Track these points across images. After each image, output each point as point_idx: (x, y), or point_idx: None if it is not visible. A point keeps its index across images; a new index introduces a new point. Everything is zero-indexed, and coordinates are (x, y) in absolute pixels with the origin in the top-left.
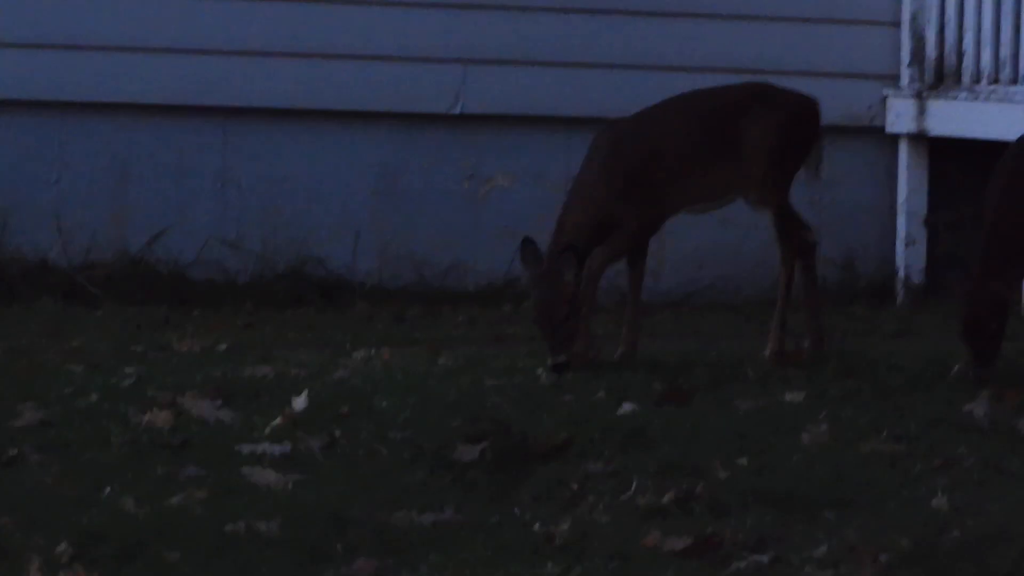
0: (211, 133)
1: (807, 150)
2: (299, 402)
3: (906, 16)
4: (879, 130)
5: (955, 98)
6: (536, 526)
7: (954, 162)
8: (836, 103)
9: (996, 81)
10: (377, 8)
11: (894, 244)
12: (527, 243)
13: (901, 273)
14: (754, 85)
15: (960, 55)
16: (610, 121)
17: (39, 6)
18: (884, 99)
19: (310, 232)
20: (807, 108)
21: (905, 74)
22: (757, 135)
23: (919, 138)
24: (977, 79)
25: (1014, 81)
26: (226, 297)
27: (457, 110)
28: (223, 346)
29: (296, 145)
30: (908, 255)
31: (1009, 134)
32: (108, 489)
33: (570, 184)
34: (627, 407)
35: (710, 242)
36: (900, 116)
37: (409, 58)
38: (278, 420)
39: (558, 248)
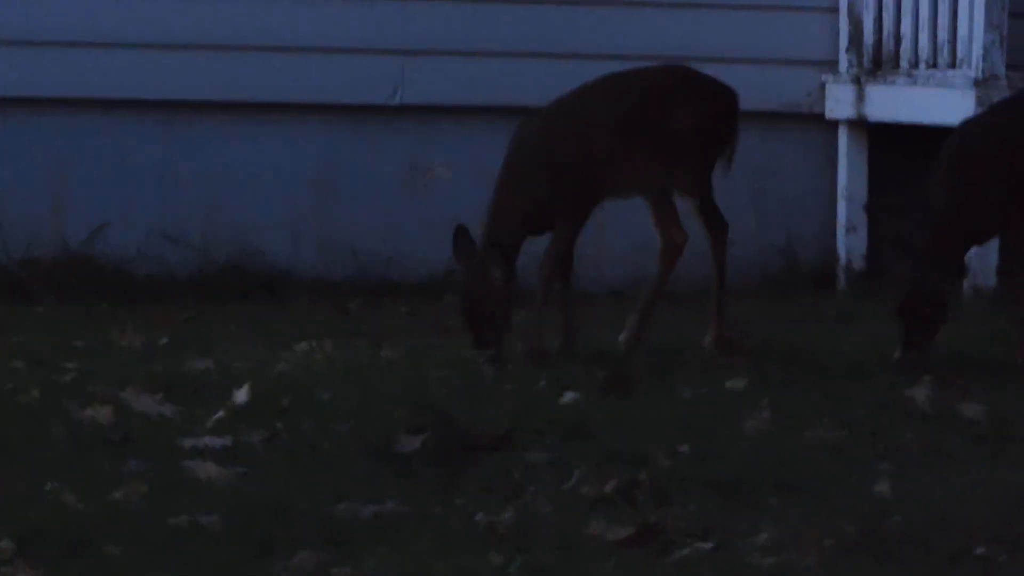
0: (151, 127)
1: (725, 140)
2: (241, 395)
3: (843, 1)
4: (818, 116)
5: (894, 83)
6: (479, 516)
7: (894, 147)
8: (775, 90)
9: (934, 66)
10: (314, 0)
11: (835, 231)
12: (461, 233)
13: (842, 260)
14: (674, 68)
15: (898, 40)
16: (532, 110)
17: None
18: (823, 85)
19: (251, 225)
20: (726, 97)
21: (843, 60)
22: (680, 120)
23: (858, 124)
24: (915, 64)
25: (952, 65)
26: (167, 292)
27: (396, 101)
28: (164, 341)
29: (236, 138)
30: (849, 241)
31: (948, 119)
32: (50, 485)
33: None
34: (569, 396)
35: (653, 231)
36: (839, 102)
37: (348, 49)
38: (220, 414)
39: (486, 246)
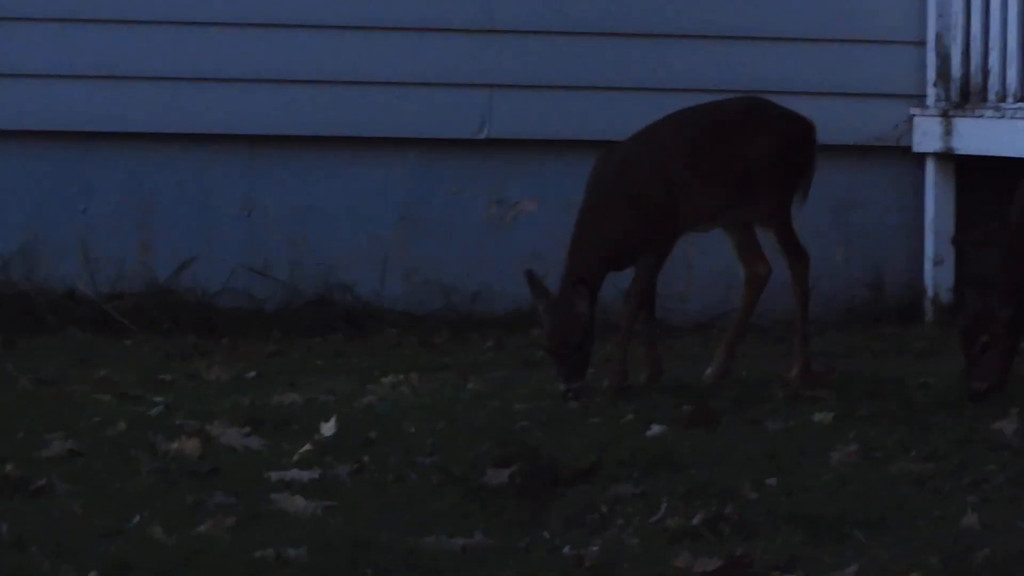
0: (236, 161)
1: (802, 171)
2: (327, 428)
3: (931, 35)
4: (906, 149)
5: (981, 116)
6: (566, 549)
7: (981, 180)
8: (863, 123)
9: (1022, 99)
10: (401, 34)
11: (922, 263)
12: (530, 275)
13: (929, 292)
14: (749, 100)
15: (986, 73)
16: (609, 145)
17: (61, 37)
18: (910, 118)
19: (337, 259)
20: (802, 128)
21: (931, 93)
22: (755, 151)
23: (946, 157)
24: (1003, 97)
25: None
26: (254, 325)
27: (483, 135)
28: (251, 374)
29: (322, 172)
30: (936, 274)
31: None
32: (137, 518)
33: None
34: (655, 429)
35: (737, 263)
36: (927, 135)
37: (434, 84)
38: (307, 447)
39: (570, 281)
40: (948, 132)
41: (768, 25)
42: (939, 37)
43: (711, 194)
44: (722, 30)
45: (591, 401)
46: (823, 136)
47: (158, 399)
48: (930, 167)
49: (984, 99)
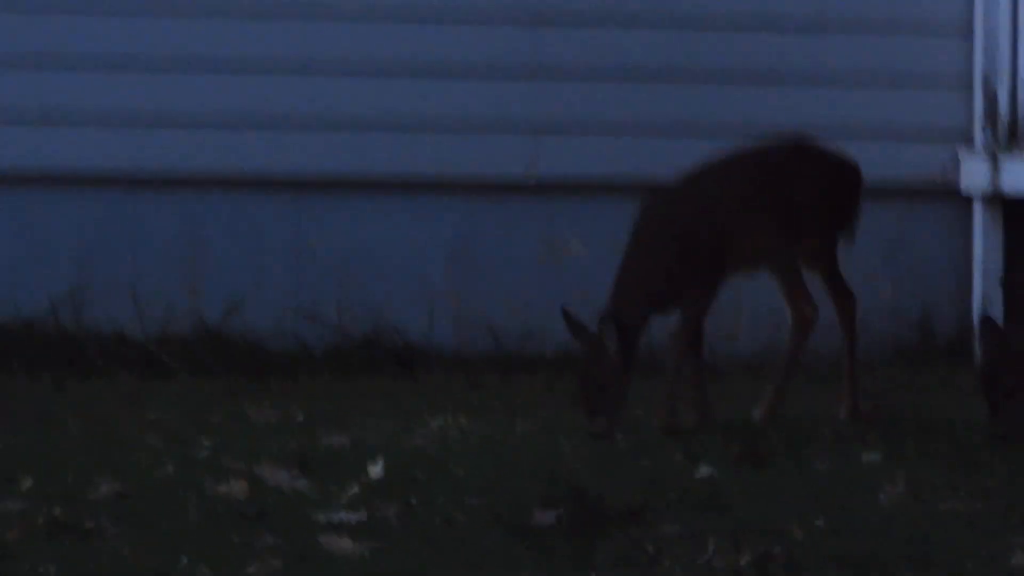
0: (284, 203)
1: (848, 213)
2: (375, 470)
3: (978, 77)
4: (953, 191)
5: None
6: None
7: None
8: (909, 164)
9: None
10: (447, 78)
11: (970, 304)
12: (567, 314)
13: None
14: (796, 142)
15: None
16: (654, 187)
17: (108, 81)
18: (957, 159)
19: (385, 301)
20: (848, 170)
21: (978, 134)
22: (801, 193)
23: (993, 198)
24: None
25: None
26: (302, 367)
27: (531, 178)
28: (299, 416)
29: (370, 214)
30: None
31: None
32: (184, 560)
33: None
34: (704, 470)
35: (784, 305)
36: (974, 176)
37: (481, 126)
38: (355, 488)
39: (603, 316)
40: (996, 173)
41: (816, 68)
42: (986, 78)
43: (758, 236)
44: (770, 72)
45: (638, 441)
46: (870, 178)
47: (206, 441)
48: (977, 208)
49: None
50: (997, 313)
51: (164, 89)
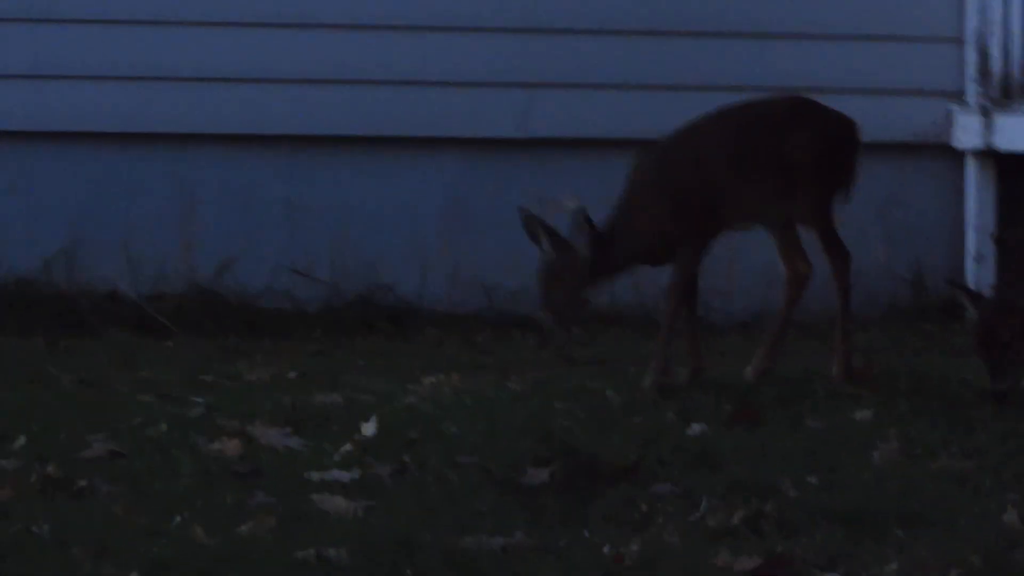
0: (278, 161)
1: (844, 170)
2: (368, 429)
3: (970, 32)
4: (946, 146)
5: (1022, 113)
6: (606, 548)
7: (1023, 177)
8: (901, 120)
9: None
10: (440, 34)
11: (963, 260)
12: (525, 214)
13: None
14: (791, 98)
15: None
16: (648, 143)
17: (102, 39)
18: (950, 115)
19: (379, 259)
20: (844, 126)
21: (970, 90)
22: (797, 149)
23: (986, 154)
24: None
25: None
26: (295, 325)
27: (524, 134)
28: (292, 374)
29: (363, 172)
30: (977, 271)
31: None
32: (178, 518)
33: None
34: (696, 428)
35: (779, 263)
36: (966, 132)
37: (475, 83)
38: (347, 447)
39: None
40: (988, 129)
41: (808, 23)
42: (978, 33)
43: (752, 192)
44: (763, 28)
45: (631, 399)
46: (863, 134)
47: (199, 400)
48: (970, 164)
49: None
50: (989, 269)
51: (157, 46)
